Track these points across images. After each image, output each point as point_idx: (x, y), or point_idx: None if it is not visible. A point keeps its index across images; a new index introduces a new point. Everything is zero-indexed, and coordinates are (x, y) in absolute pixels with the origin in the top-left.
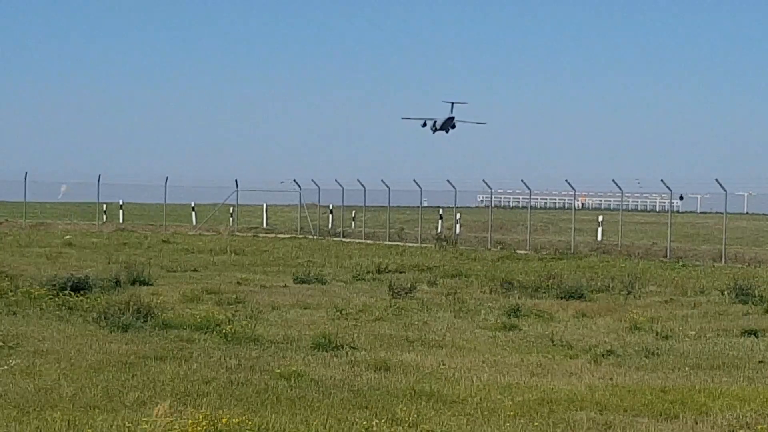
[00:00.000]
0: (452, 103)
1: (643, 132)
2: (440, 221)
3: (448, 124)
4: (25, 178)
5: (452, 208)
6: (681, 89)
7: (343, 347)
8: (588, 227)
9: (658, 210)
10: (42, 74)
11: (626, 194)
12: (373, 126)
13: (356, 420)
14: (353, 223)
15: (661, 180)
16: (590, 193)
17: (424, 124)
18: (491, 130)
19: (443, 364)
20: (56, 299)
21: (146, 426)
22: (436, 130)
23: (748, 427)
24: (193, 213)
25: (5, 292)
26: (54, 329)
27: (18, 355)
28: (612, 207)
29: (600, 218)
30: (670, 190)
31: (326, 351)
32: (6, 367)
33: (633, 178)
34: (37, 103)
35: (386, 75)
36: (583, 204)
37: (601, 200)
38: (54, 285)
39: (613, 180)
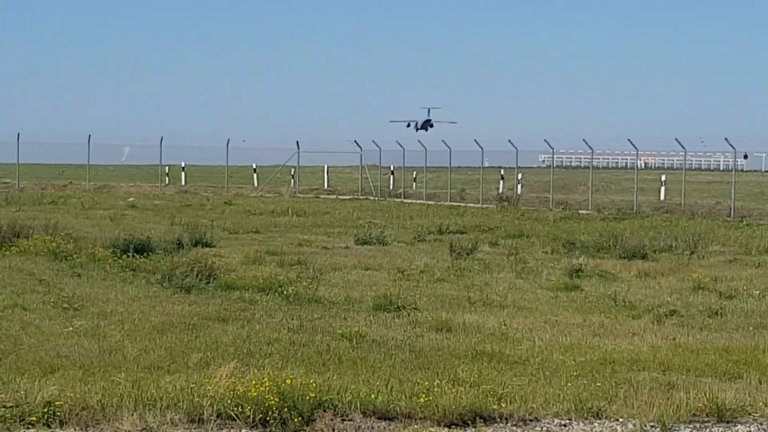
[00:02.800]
0: (429, 109)
1: (707, 90)
2: (501, 181)
3: (427, 125)
4: (89, 141)
5: (514, 168)
6: (744, 47)
7: (404, 308)
8: (651, 187)
9: (721, 169)
10: (106, 39)
11: (689, 153)
12: (434, 86)
13: (418, 380)
14: (414, 184)
15: (725, 138)
16: (653, 153)
17: (408, 125)
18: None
19: (505, 325)
20: (120, 261)
21: (210, 387)
22: (417, 129)
23: None
24: (255, 174)
25: (70, 254)
26: (118, 291)
27: (83, 316)
28: (675, 166)
29: (663, 177)
30: (734, 148)
31: (388, 312)
32: (71, 329)
33: (696, 137)
34: (101, 67)
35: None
36: (645, 163)
37: (664, 159)
38: (117, 247)
39: (676, 139)
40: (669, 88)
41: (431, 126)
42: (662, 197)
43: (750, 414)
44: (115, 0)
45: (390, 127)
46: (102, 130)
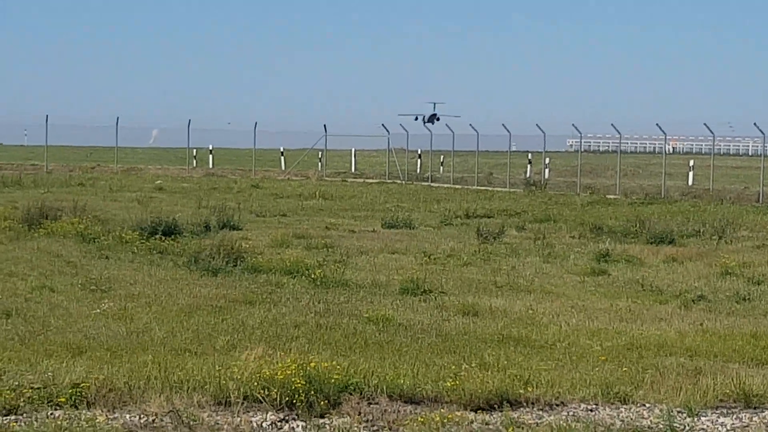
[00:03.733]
0: (434, 104)
1: (736, 75)
2: (529, 166)
3: (433, 118)
4: (117, 124)
5: (541, 152)
6: None
7: (431, 292)
8: (679, 171)
9: (750, 154)
10: (135, 23)
11: (718, 138)
12: (461, 70)
13: (444, 364)
14: (441, 167)
15: (754, 123)
16: (681, 137)
17: (416, 119)
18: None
19: (531, 309)
20: (147, 243)
21: (236, 369)
22: (425, 122)
23: None
24: (282, 158)
25: (97, 237)
26: (145, 273)
27: (110, 298)
28: (703, 151)
29: (691, 162)
30: (764, 133)
31: (414, 296)
32: (99, 311)
33: (725, 122)
34: (131, 50)
35: None
36: (674, 148)
37: (692, 144)
38: (145, 229)
39: (704, 124)
40: (698, 73)
41: (437, 119)
42: (690, 182)
43: None
44: None
45: (416, 111)
46: (130, 112)
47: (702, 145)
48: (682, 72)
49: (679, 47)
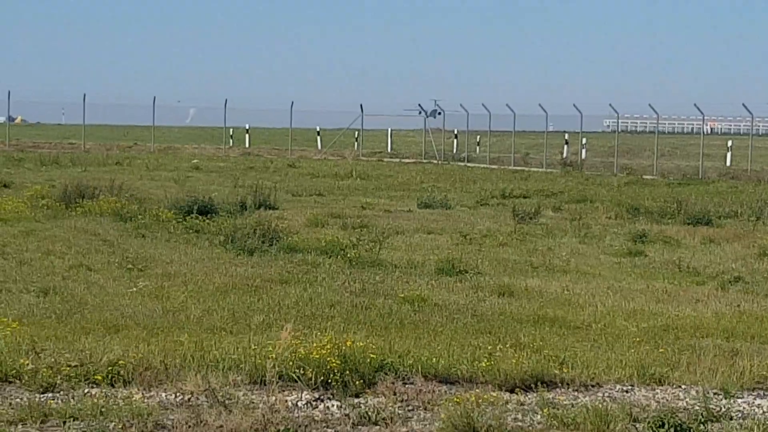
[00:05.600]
0: (435, 101)
1: None
2: (566, 146)
3: (435, 113)
4: (154, 103)
5: (578, 132)
6: None
7: (466, 272)
8: (717, 152)
9: None
10: (173, 3)
11: (756, 118)
12: (498, 49)
13: (480, 345)
14: (478, 148)
15: None
16: (719, 118)
17: (420, 113)
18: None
19: (567, 290)
20: (183, 222)
21: (272, 348)
22: (427, 117)
23: None
24: (318, 137)
25: (134, 216)
26: (181, 252)
27: (147, 277)
28: (742, 131)
29: (729, 143)
30: None
31: (450, 276)
32: (135, 289)
33: (764, 102)
34: (169, 30)
35: None
36: (712, 129)
37: (730, 125)
38: (181, 208)
39: (743, 104)
40: (736, 53)
41: (439, 114)
42: (728, 163)
43: None
44: None
45: (454, 91)
46: (167, 92)
47: (740, 125)
48: (720, 52)
49: (717, 27)
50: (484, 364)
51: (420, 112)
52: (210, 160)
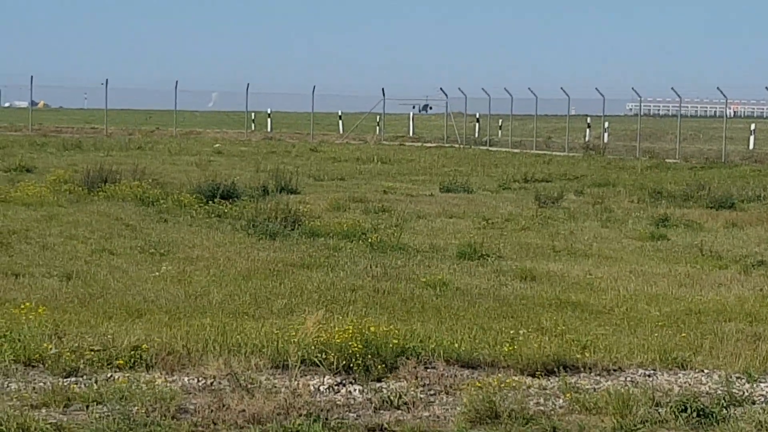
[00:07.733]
0: (427, 96)
1: None
2: (588, 130)
3: (427, 108)
4: (176, 87)
5: (600, 116)
6: None
7: (488, 256)
8: (740, 136)
9: None
10: None
11: None
12: (521, 34)
13: (502, 329)
14: (500, 131)
15: None
16: (742, 101)
17: (413, 107)
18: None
19: (589, 274)
20: (205, 207)
21: (294, 333)
22: (420, 111)
23: None
24: (340, 122)
25: (156, 200)
26: (204, 236)
27: (169, 261)
28: (765, 115)
29: (752, 126)
30: None
31: (472, 260)
32: (157, 274)
33: None
34: (189, 14)
35: None
36: (735, 112)
37: (753, 108)
38: (203, 193)
39: (766, 87)
40: (759, 36)
41: (430, 108)
42: (751, 146)
43: None
44: None
45: (476, 75)
46: (189, 76)
47: (764, 109)
48: (743, 35)
49: (739, 10)
50: (506, 349)
51: (414, 106)
52: (232, 144)
